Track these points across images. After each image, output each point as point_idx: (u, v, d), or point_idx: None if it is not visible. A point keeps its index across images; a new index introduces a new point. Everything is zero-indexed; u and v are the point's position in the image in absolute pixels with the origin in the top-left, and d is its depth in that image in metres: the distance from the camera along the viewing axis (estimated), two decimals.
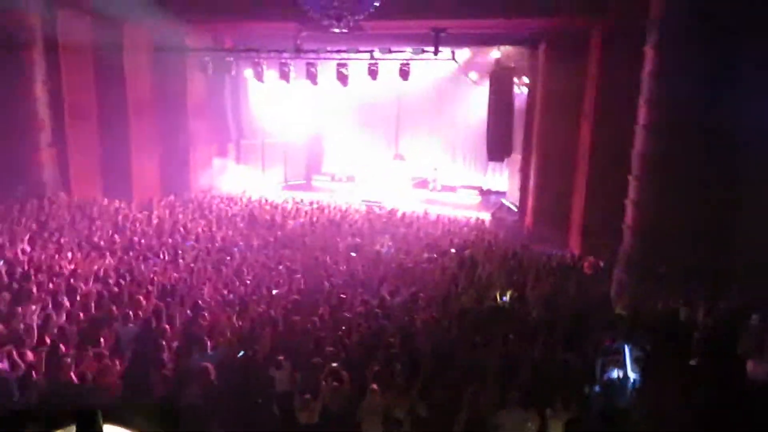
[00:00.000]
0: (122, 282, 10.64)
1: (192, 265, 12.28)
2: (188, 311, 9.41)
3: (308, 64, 19.32)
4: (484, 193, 24.64)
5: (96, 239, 13.64)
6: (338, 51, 18.92)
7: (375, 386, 7.02)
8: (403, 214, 19.39)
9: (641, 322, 9.04)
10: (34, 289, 9.58)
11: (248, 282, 11.46)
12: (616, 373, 7.57)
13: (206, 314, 9.11)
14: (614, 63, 14.08)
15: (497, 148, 20.70)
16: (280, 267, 12.59)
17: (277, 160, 26.24)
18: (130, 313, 8.88)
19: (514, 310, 10.20)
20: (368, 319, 9.50)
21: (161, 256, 12.78)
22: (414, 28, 17.42)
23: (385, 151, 25.95)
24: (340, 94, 23.41)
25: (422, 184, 24.99)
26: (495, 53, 20.83)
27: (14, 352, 7.35)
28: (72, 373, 7.07)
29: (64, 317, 8.88)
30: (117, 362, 7.46)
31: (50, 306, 9.13)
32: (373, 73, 18.28)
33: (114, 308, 9.19)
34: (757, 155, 10.34)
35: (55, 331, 8.34)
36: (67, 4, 16.39)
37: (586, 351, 7.94)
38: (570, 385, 7.20)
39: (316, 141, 27.69)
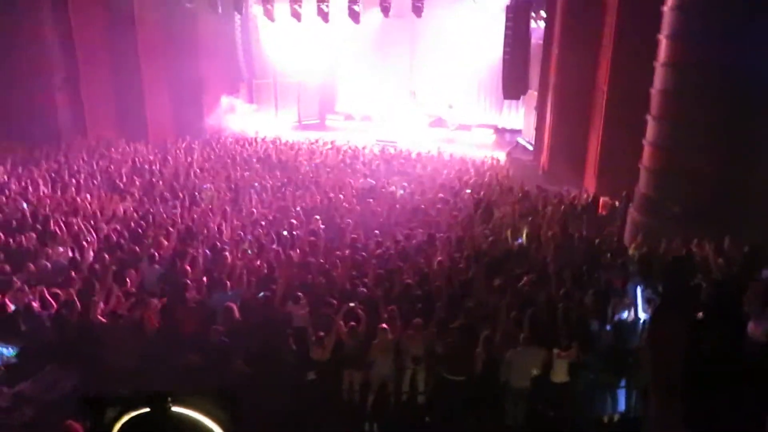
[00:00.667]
0: (143, 224, 10.89)
1: (210, 206, 12.48)
2: (207, 252, 9.66)
3: (319, 1, 18.88)
4: (500, 131, 24.39)
5: (116, 181, 13.87)
6: None
7: (385, 325, 7.24)
8: (418, 154, 19.33)
9: (654, 263, 9.12)
10: (59, 231, 9.86)
11: (263, 224, 11.64)
12: (626, 314, 7.73)
13: (226, 255, 9.35)
14: None
15: (513, 85, 20.36)
16: (297, 208, 12.73)
17: (290, 99, 26.06)
18: (155, 254, 9.13)
19: (529, 250, 10.31)
20: (384, 260, 9.68)
21: (180, 198, 12.98)
22: None
23: (399, 90, 25.60)
24: (353, 33, 22.93)
25: (438, 122, 24.77)
26: None
27: (45, 291, 7.67)
28: (101, 312, 7.38)
29: (90, 257, 9.18)
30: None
31: (76, 247, 9.42)
32: (385, 9, 17.85)
33: (137, 249, 9.47)
34: None
35: (85, 270, 8.64)
36: None
37: (597, 291, 8.06)
38: (580, 325, 7.38)
39: (330, 80, 27.31)
